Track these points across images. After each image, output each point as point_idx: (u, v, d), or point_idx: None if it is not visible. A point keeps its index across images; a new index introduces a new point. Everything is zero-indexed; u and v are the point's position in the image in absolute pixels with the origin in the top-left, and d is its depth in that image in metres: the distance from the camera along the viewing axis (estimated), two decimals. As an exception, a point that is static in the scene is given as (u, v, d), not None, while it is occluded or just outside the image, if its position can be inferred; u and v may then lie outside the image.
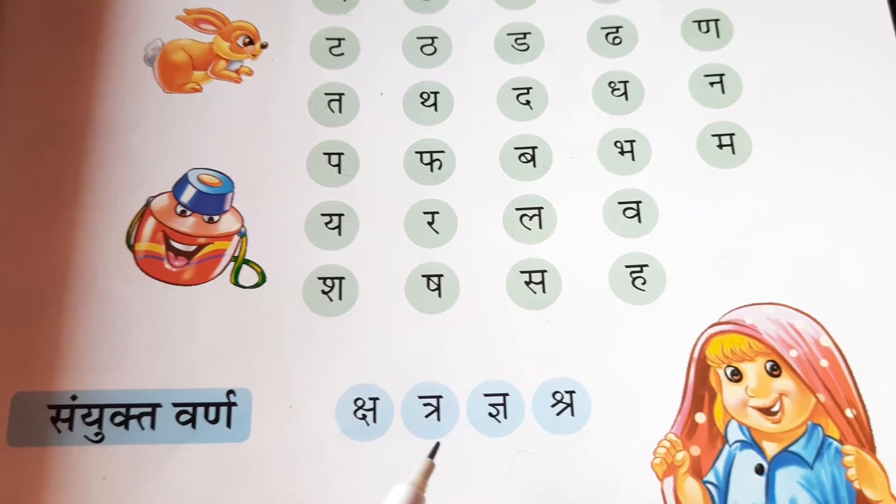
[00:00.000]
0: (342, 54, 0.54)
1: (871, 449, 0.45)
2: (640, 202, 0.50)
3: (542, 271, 0.49)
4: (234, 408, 0.46)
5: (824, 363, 0.47)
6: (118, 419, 0.46)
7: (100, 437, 0.45)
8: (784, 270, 0.49)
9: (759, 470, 0.45)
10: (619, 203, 0.50)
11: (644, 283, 0.49)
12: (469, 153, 0.52)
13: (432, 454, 0.41)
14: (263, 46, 0.54)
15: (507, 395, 0.47)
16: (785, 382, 0.47)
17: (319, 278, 0.49)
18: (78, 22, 0.53)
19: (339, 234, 0.50)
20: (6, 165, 0.50)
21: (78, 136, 0.51)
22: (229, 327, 0.47)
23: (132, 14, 0.54)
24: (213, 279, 0.49)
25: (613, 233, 0.50)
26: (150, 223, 0.49)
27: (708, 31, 0.54)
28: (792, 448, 0.45)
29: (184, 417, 0.46)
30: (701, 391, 0.46)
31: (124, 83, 0.52)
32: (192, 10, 0.54)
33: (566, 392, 0.47)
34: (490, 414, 0.46)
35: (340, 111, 0.52)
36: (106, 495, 0.44)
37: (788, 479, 0.45)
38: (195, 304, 0.48)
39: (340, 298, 0.48)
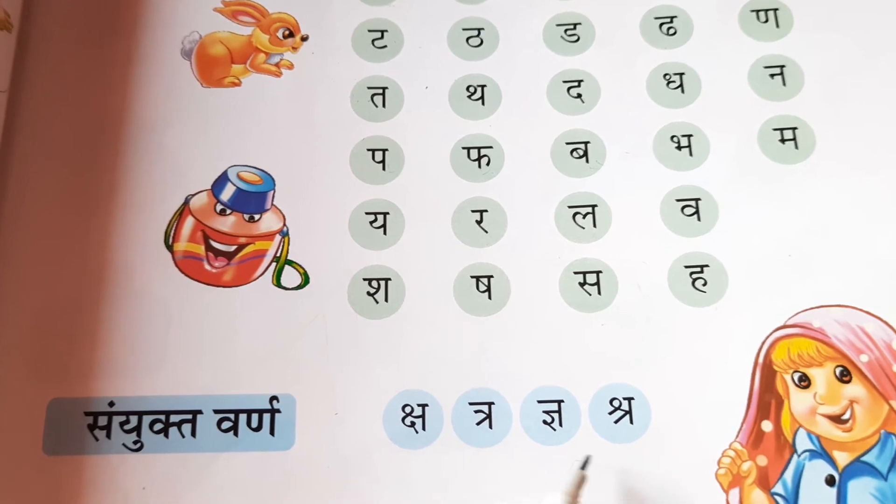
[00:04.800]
0: (385, 47, 0.52)
1: (950, 459, 0.43)
2: (699, 199, 0.48)
3: (597, 272, 0.47)
4: (277, 415, 0.44)
5: (897, 368, 0.45)
6: (157, 427, 0.44)
7: (138, 445, 0.44)
8: (853, 270, 0.46)
9: (830, 481, 0.43)
10: (677, 200, 0.48)
11: (705, 285, 0.46)
12: (518, 149, 0.50)
13: (584, 466, 0.41)
14: (304, 39, 0.52)
15: (562, 401, 0.45)
16: (856, 389, 0.44)
17: (365, 279, 0.47)
18: (113, 15, 0.52)
19: (385, 233, 0.48)
20: (41, 165, 0.48)
21: (113, 132, 0.49)
22: (272, 330, 0.46)
23: (168, 6, 0.52)
24: (254, 280, 0.47)
25: (671, 231, 0.48)
26: (188, 222, 0.48)
27: (767, 20, 0.52)
28: (864, 458, 0.43)
29: (225, 425, 0.44)
30: (767, 398, 0.44)
31: (161, 78, 0.50)
32: (230, 1, 0.53)
33: (624, 399, 0.45)
34: (544, 421, 0.44)
35: (384, 105, 0.50)
36: (145, 506, 0.43)
37: (861, 491, 0.43)
38: (236, 307, 0.46)
39: (387, 300, 0.46)
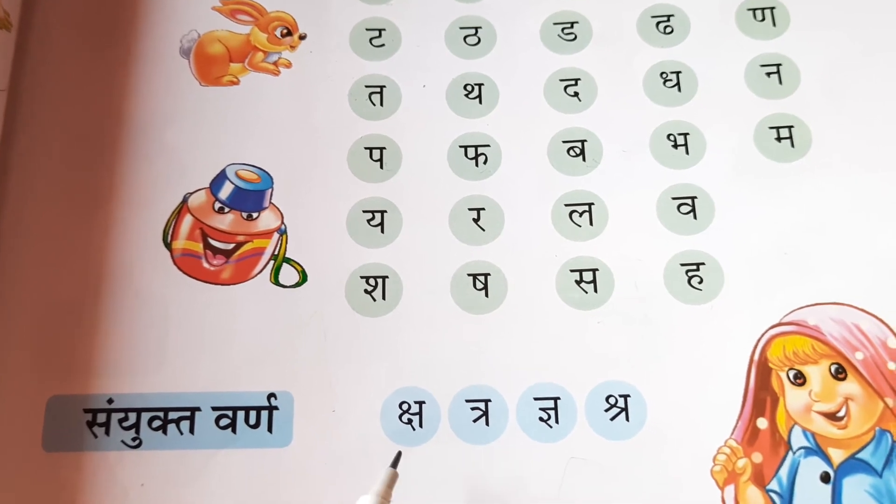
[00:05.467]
0: (383, 45, 0.52)
1: (944, 456, 0.43)
2: (696, 198, 0.48)
3: (594, 270, 0.47)
4: (275, 412, 0.45)
5: (892, 366, 0.45)
6: (156, 424, 0.44)
7: (137, 442, 0.44)
8: (848, 268, 0.46)
9: (825, 478, 0.43)
10: (674, 199, 0.48)
11: (701, 283, 0.47)
12: (515, 147, 0.50)
13: (395, 464, 0.41)
14: (302, 38, 0.52)
15: (558, 398, 0.45)
16: (851, 386, 0.44)
17: (362, 277, 0.47)
18: (112, 14, 0.52)
19: (382, 231, 0.48)
20: (40, 163, 0.49)
21: (113, 131, 0.49)
22: (270, 328, 0.46)
23: (167, 5, 0.52)
24: (252, 278, 0.47)
25: (668, 229, 0.48)
26: (187, 220, 0.48)
27: (763, 19, 0.52)
28: (859, 455, 0.43)
29: (224, 422, 0.44)
30: (762, 395, 0.44)
31: (160, 76, 0.51)
32: (228, 0, 0.53)
33: (620, 396, 0.45)
34: (541, 419, 0.44)
35: (382, 104, 0.51)
36: (144, 502, 0.43)
37: (856, 488, 0.43)
38: (234, 305, 0.46)
39: (384, 298, 0.47)
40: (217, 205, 0.48)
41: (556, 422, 0.44)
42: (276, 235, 0.48)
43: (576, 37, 0.52)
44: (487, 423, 0.44)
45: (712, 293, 0.46)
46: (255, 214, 0.48)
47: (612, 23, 0.52)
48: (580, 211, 0.48)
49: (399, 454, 0.42)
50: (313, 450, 0.44)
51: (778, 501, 0.43)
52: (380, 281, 0.47)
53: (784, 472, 0.43)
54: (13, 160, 0.49)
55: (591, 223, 0.48)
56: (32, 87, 0.50)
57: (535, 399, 0.45)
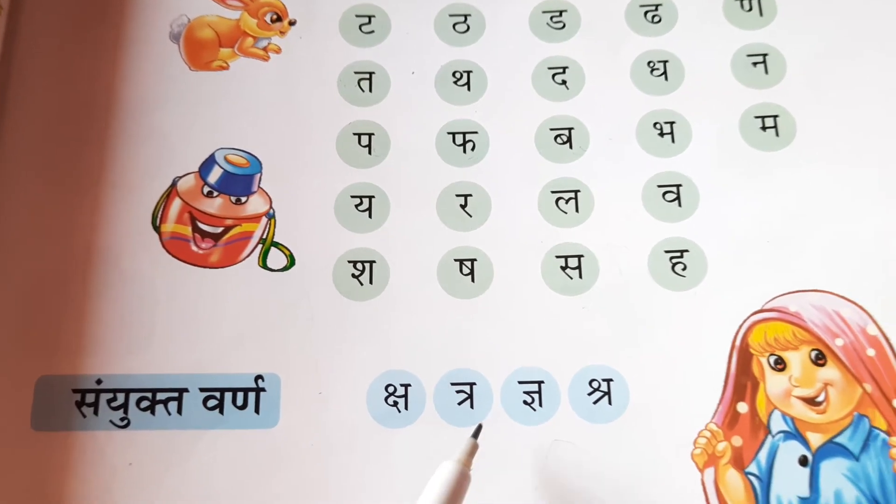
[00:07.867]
0: (372, 32, 0.52)
1: (921, 441, 0.44)
2: (681, 185, 0.49)
3: (579, 256, 0.48)
4: (262, 393, 0.45)
5: (871, 352, 0.45)
6: (144, 404, 0.45)
7: (125, 422, 0.44)
8: (830, 257, 0.47)
9: (804, 461, 0.44)
10: (659, 186, 0.49)
11: (684, 269, 0.47)
12: (503, 134, 0.50)
13: (475, 434, 0.41)
14: (291, 23, 0.52)
15: (542, 382, 0.45)
16: (830, 372, 0.45)
17: (349, 262, 0.47)
18: (102, -3, 0.52)
19: (370, 216, 0.48)
20: (29, 145, 0.49)
21: (102, 115, 0.50)
22: (257, 311, 0.46)
23: (157, -11, 0.53)
24: (240, 262, 0.47)
25: (653, 217, 0.48)
26: (176, 204, 0.48)
27: (751, 9, 0.52)
28: (837, 439, 0.44)
29: (211, 403, 0.45)
30: (743, 380, 0.45)
31: (149, 61, 0.51)
32: (218, -15, 0.53)
33: (603, 380, 0.45)
34: (525, 402, 0.45)
35: (371, 90, 0.51)
36: (132, 481, 0.43)
37: (833, 472, 0.43)
38: (223, 288, 0.47)
39: (371, 282, 0.47)
40: (206, 189, 0.49)
41: (540, 405, 0.45)
42: (264, 219, 0.48)
43: (564, 25, 0.52)
44: (472, 406, 0.45)
45: (695, 280, 0.47)
46: (243, 199, 0.49)
47: (601, 12, 0.53)
48: (566, 198, 0.49)
49: (480, 426, 0.42)
50: (300, 431, 0.44)
51: (757, 484, 0.43)
52: (367, 265, 0.47)
53: (763, 455, 0.44)
54: (1, 143, 0.49)
55: (577, 210, 0.48)
56: (21, 70, 0.50)
57: (520, 383, 0.45)
